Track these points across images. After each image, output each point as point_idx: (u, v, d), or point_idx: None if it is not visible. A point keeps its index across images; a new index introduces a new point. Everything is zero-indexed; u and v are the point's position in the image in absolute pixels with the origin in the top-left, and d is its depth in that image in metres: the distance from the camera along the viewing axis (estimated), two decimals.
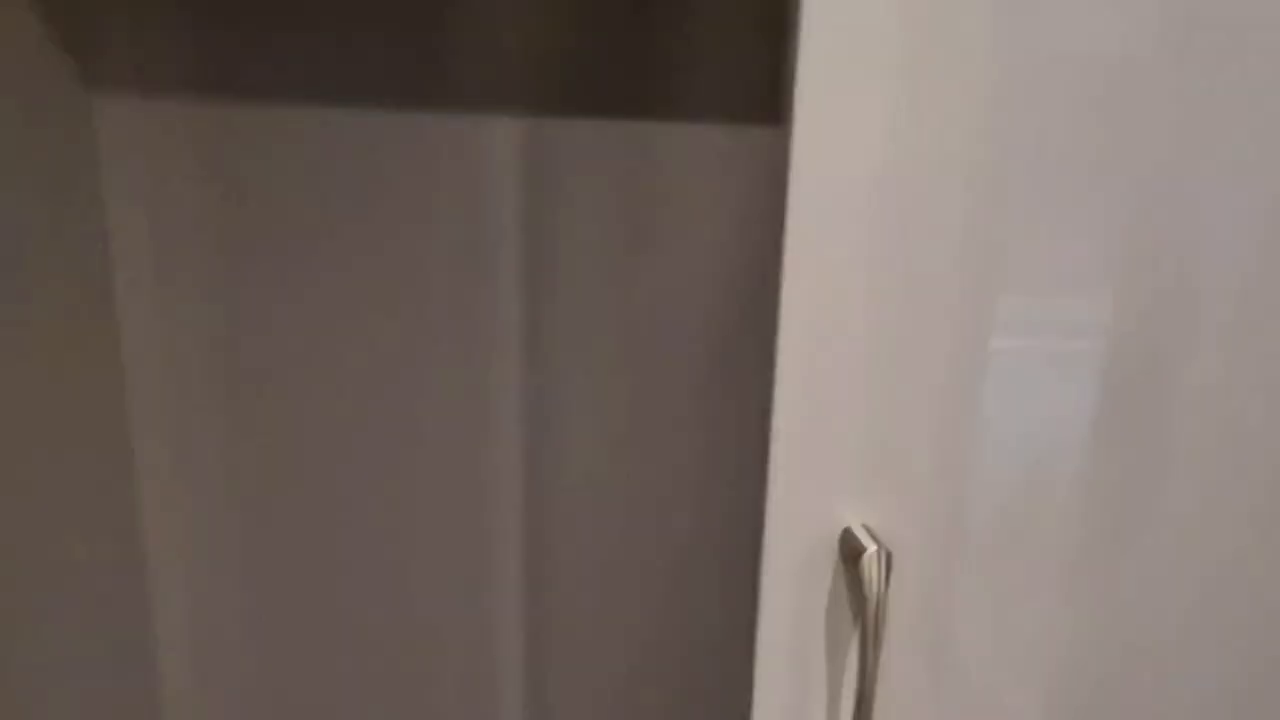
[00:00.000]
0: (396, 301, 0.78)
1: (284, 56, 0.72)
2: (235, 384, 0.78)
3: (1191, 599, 0.55)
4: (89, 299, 0.73)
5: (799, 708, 0.51)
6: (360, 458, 0.81)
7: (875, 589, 0.47)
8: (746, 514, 0.85)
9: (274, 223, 0.75)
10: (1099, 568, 0.54)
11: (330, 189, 0.75)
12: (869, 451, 0.49)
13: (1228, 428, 0.52)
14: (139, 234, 0.74)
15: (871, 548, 0.47)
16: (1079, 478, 0.53)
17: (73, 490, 0.72)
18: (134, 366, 0.76)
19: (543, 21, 0.74)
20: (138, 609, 0.80)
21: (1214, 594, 0.55)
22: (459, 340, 0.80)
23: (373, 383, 0.80)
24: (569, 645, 0.88)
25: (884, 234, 0.47)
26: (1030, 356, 0.51)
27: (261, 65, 0.73)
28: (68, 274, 0.71)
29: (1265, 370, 0.52)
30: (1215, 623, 0.56)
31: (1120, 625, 0.55)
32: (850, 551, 0.49)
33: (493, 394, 0.81)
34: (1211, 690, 0.57)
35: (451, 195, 0.77)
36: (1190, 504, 0.54)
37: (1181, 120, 0.48)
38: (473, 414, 0.81)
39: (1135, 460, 0.53)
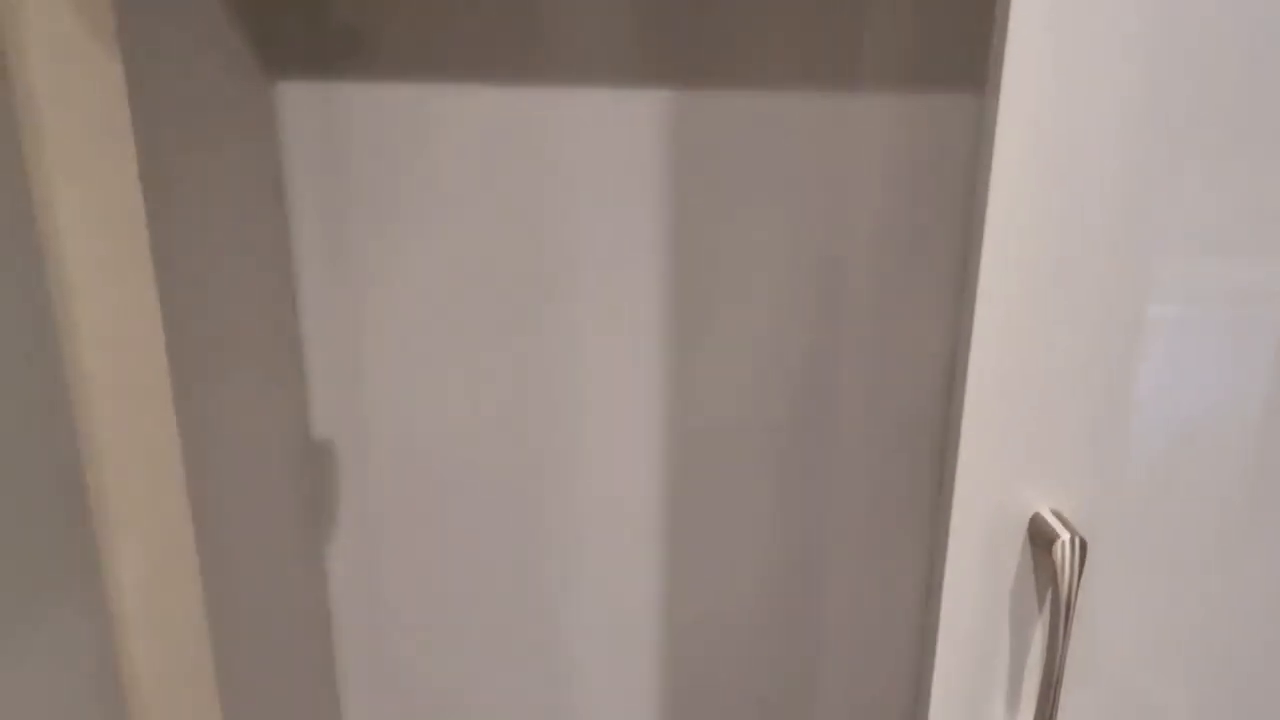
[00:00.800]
0: (551, 276, 0.80)
1: (444, 38, 0.74)
2: (405, 348, 0.82)
3: None
4: (271, 275, 0.78)
5: (978, 692, 0.51)
6: (516, 432, 0.84)
7: (1068, 577, 0.46)
8: (916, 495, 0.84)
9: (438, 196, 0.78)
10: (1266, 551, 0.51)
11: (492, 162, 0.77)
12: (1057, 435, 0.48)
13: None
14: (316, 209, 0.78)
15: (1065, 535, 0.46)
16: (1248, 455, 0.50)
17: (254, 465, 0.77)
18: (313, 337, 0.81)
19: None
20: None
21: None
22: (611, 335, 0.81)
23: (526, 364, 0.82)
24: (732, 624, 0.89)
25: (1071, 206, 0.45)
26: (1199, 326, 0.48)
27: (426, 47, 0.75)
28: (251, 251, 0.75)
29: None
30: None
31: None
32: (1040, 537, 0.47)
33: (649, 374, 0.83)
34: None
35: (606, 168, 0.77)
36: None
37: None
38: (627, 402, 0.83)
39: None
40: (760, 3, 0.74)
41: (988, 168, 0.44)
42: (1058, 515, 0.47)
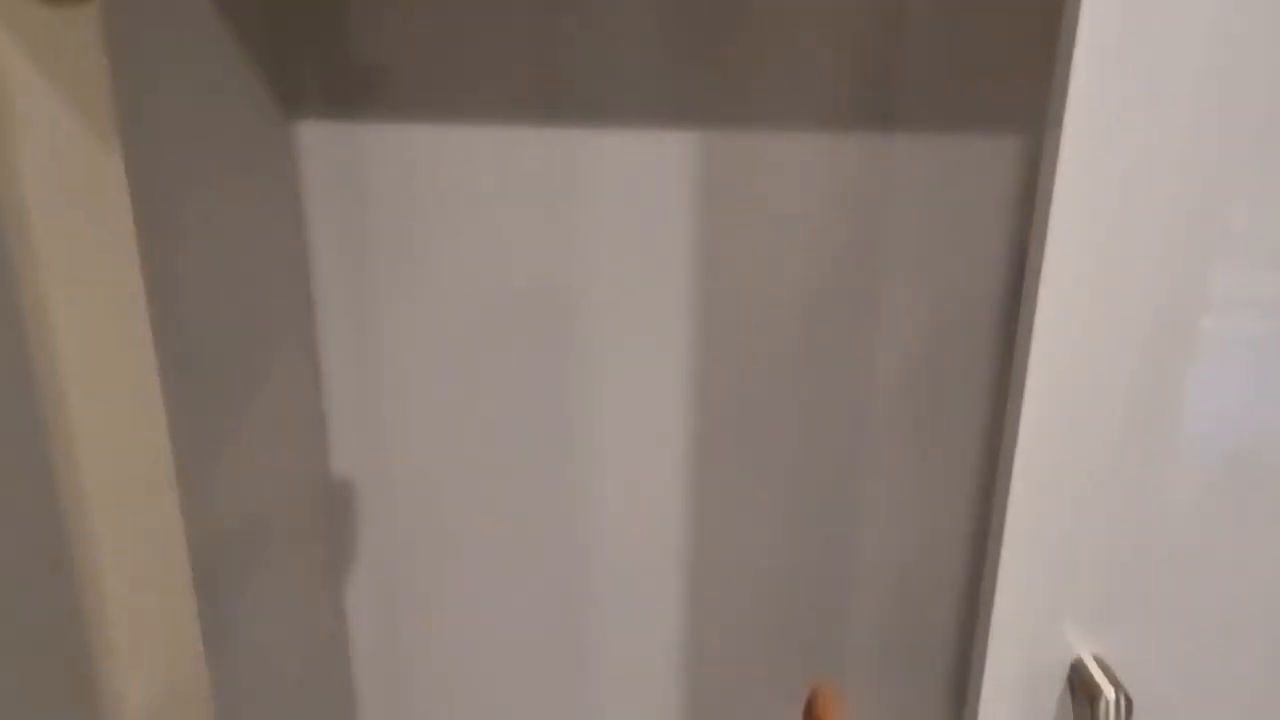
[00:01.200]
0: (572, 317, 0.78)
1: (463, 79, 0.72)
2: (424, 388, 0.80)
3: None
4: (291, 315, 0.77)
5: None
6: (536, 471, 0.82)
7: None
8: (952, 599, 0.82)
9: (458, 237, 0.76)
10: None
11: (512, 202, 0.75)
12: (1101, 574, 0.44)
13: None
14: (337, 249, 0.77)
15: (1109, 693, 0.42)
16: None
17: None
18: (333, 376, 0.80)
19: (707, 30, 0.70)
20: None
21: None
22: (632, 383, 0.80)
23: (546, 404, 0.80)
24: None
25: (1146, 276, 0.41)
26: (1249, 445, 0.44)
27: (446, 87, 0.72)
28: (271, 292, 0.74)
29: None
30: None
31: None
32: (1082, 687, 0.44)
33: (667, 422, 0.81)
34: None
35: (629, 210, 0.75)
36: None
37: None
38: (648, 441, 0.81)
39: None
40: (787, 43, 0.71)
41: (1043, 231, 0.41)
42: (1100, 663, 0.44)
